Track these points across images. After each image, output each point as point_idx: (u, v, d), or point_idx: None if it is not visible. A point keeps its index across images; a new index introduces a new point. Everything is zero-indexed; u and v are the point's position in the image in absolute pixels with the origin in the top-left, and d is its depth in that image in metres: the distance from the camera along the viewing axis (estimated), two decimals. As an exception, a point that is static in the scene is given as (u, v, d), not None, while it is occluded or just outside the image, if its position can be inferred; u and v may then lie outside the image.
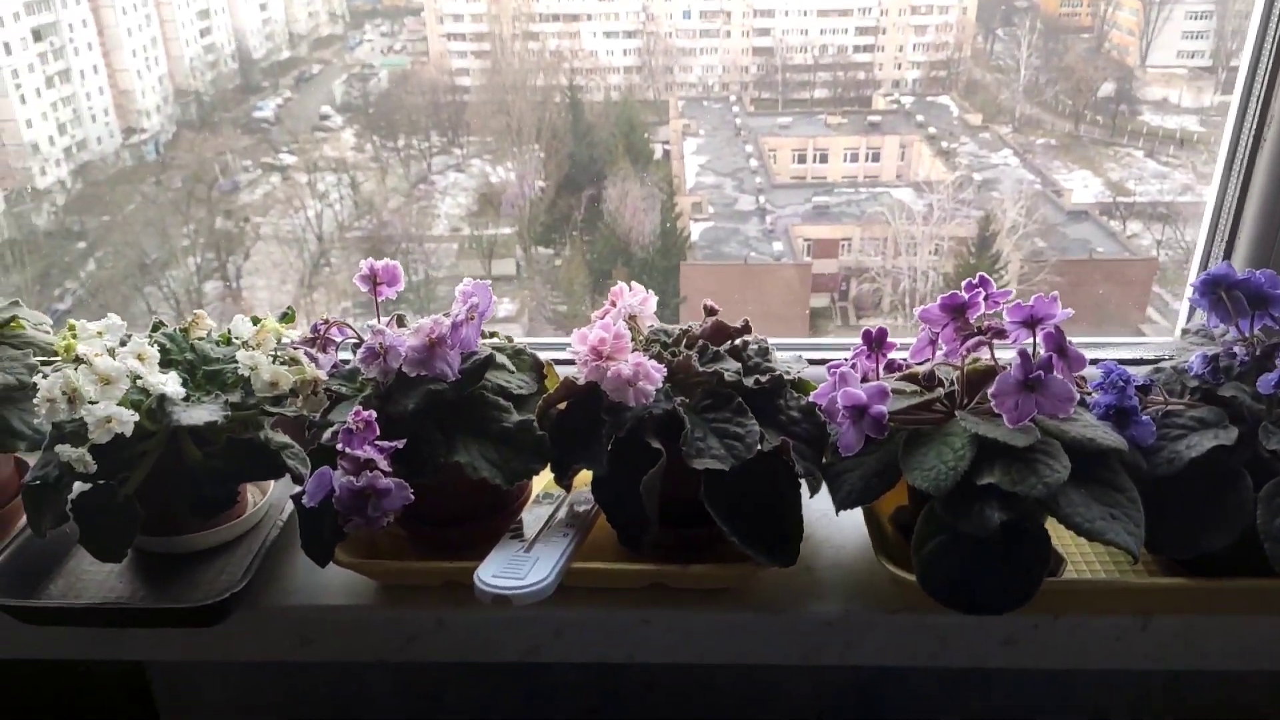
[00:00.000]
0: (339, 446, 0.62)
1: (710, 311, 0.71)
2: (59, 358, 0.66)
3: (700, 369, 0.66)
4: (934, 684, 0.81)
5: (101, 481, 0.64)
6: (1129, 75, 3.77)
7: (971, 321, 0.67)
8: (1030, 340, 0.63)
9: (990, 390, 0.60)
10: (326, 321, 0.72)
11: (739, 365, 0.67)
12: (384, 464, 0.62)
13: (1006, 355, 0.63)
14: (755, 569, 0.66)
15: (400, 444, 0.63)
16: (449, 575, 0.69)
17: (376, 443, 0.63)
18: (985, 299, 0.67)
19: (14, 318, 0.70)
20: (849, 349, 0.70)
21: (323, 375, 0.67)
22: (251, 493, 0.79)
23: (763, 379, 0.66)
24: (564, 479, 0.67)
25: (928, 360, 0.70)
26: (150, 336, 0.67)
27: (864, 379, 0.65)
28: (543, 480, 0.75)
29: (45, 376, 0.61)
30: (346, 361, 0.72)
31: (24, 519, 0.76)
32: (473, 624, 0.68)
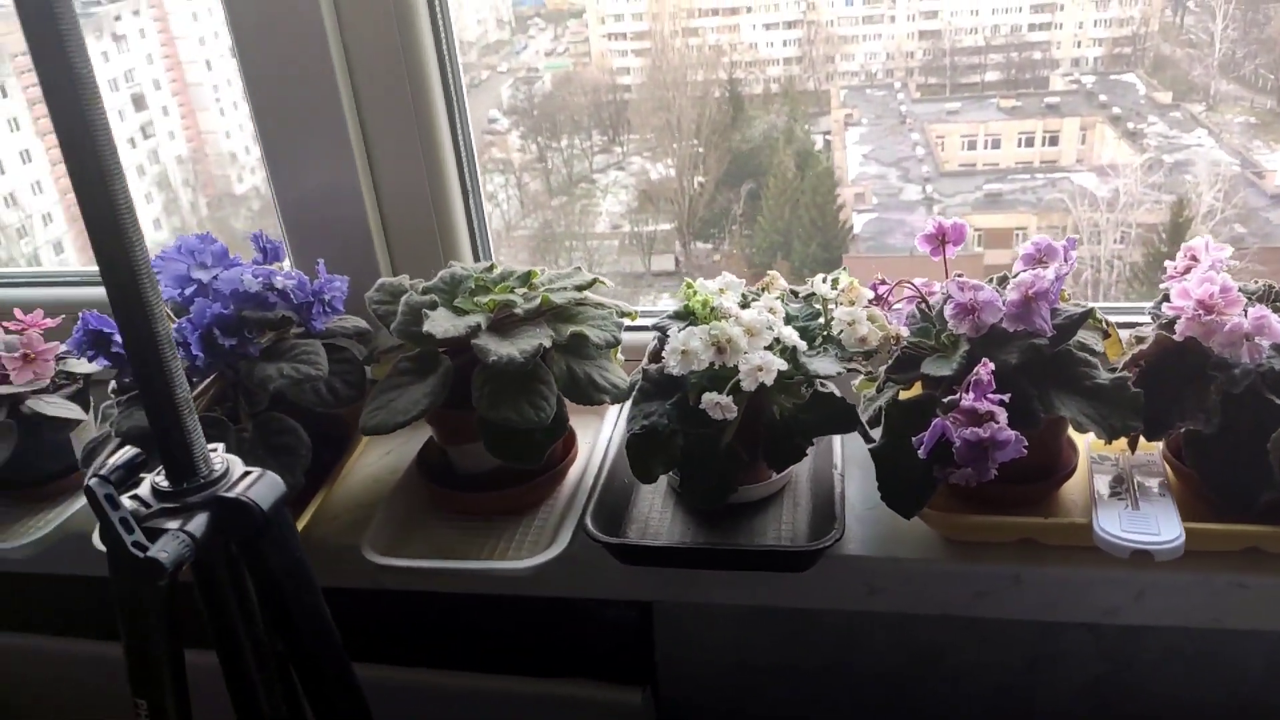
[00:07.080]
0: (961, 399, 0.63)
1: (1297, 264, 0.69)
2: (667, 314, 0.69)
3: (1321, 320, 0.63)
4: None
5: (703, 430, 0.66)
6: (1341, 45, 3.48)
7: None
8: None
9: None
10: (883, 280, 0.73)
11: (1359, 317, 0.64)
12: (1002, 416, 0.62)
13: None
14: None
15: (1006, 397, 0.63)
16: (1025, 531, 0.68)
17: (987, 395, 0.63)
18: None
19: (596, 279, 0.74)
20: None
21: (904, 331, 0.68)
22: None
23: (1386, 331, 0.63)
24: (1158, 437, 0.66)
25: None
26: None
27: None
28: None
29: (680, 329, 0.63)
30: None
31: (568, 472, 0.81)
32: (1053, 581, 0.68)
